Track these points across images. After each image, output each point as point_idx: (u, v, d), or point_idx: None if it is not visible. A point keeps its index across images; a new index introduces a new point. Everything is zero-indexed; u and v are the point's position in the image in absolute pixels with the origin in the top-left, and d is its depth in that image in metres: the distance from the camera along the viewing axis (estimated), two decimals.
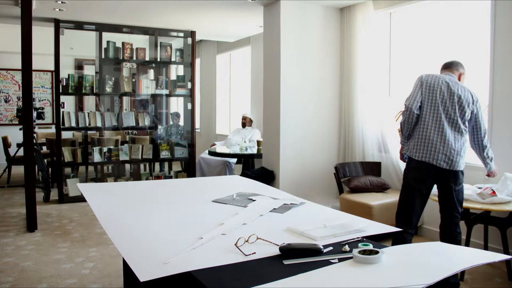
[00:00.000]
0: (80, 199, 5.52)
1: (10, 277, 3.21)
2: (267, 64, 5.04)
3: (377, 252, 1.46)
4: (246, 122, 6.81)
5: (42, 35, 5.98)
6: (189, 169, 6.60)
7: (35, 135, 5.23)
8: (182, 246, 1.61)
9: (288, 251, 1.51)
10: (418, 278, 1.27)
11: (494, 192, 3.08)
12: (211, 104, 8.70)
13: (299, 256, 1.48)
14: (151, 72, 7.16)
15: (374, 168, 4.61)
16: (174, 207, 2.21)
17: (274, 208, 2.20)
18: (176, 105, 7.96)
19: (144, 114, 6.39)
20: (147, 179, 6.46)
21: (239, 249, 1.54)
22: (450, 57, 4.26)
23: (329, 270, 1.38)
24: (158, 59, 6.48)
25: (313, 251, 1.51)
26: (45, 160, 6.36)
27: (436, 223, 4.14)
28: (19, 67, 4.43)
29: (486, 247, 3.50)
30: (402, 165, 4.41)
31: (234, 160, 6.48)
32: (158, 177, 6.56)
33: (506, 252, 3.16)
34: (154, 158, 6.44)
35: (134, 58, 6.27)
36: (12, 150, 7.26)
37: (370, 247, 1.54)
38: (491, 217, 3.29)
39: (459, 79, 2.96)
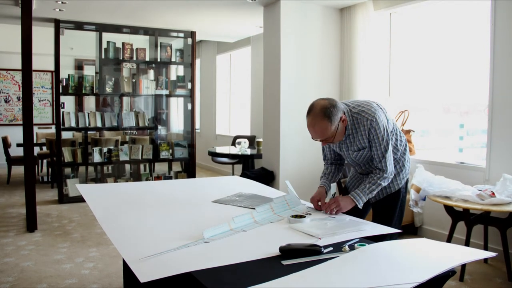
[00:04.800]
0: (80, 199, 5.51)
1: (10, 277, 3.21)
2: (267, 64, 5.05)
3: (304, 216, 1.93)
4: None
5: (42, 35, 5.98)
6: (189, 169, 6.60)
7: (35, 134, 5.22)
8: (182, 246, 1.61)
9: (288, 251, 1.51)
10: (409, 276, 1.28)
11: (493, 193, 3.09)
12: (211, 105, 8.71)
13: (299, 256, 1.48)
14: (151, 73, 7.15)
15: None
16: (174, 208, 2.21)
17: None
18: (176, 105, 7.97)
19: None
20: (147, 179, 6.46)
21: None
22: (450, 57, 4.28)
23: (321, 268, 1.39)
24: (158, 60, 6.47)
25: (313, 251, 1.52)
26: (45, 160, 6.36)
27: (436, 224, 4.14)
28: (19, 67, 4.43)
29: (486, 248, 3.50)
30: None
31: None
32: (158, 178, 6.56)
33: (506, 252, 3.16)
34: (154, 158, 6.44)
35: (134, 59, 6.27)
36: (12, 150, 7.27)
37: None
38: (491, 217, 3.28)
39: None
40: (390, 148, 2.25)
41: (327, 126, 2.11)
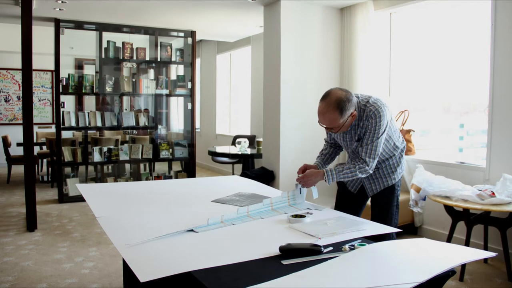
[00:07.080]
0: (80, 198, 5.51)
1: (10, 276, 3.21)
2: (267, 64, 5.04)
3: (304, 216, 1.92)
4: None
5: (42, 35, 5.98)
6: (189, 169, 6.60)
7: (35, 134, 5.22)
8: (182, 246, 1.61)
9: (288, 251, 1.51)
10: (409, 276, 1.28)
11: (493, 193, 3.09)
12: (211, 104, 8.71)
13: (299, 256, 1.48)
14: (151, 72, 7.15)
15: None
16: (174, 207, 2.21)
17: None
18: (176, 105, 7.97)
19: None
20: (147, 179, 6.46)
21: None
22: (450, 57, 4.28)
23: (321, 268, 1.39)
24: (158, 59, 6.47)
25: (313, 251, 1.52)
26: (45, 160, 6.36)
27: (436, 223, 4.15)
28: (19, 66, 4.43)
29: (486, 248, 3.50)
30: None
31: None
32: (158, 177, 6.56)
33: (506, 252, 3.16)
34: (154, 158, 6.45)
35: (134, 58, 6.27)
36: (12, 150, 7.27)
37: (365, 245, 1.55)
38: (491, 217, 3.28)
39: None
40: (379, 144, 2.22)
41: (337, 118, 2.14)
